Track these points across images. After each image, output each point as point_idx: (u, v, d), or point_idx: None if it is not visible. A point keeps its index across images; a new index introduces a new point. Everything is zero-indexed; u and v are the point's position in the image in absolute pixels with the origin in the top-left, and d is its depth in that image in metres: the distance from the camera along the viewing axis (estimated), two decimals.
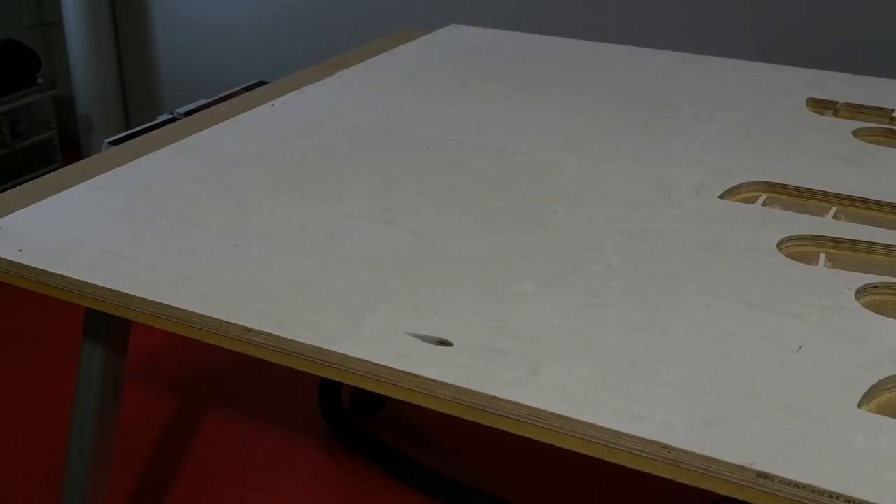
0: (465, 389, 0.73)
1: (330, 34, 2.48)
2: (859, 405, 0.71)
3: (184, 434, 1.70)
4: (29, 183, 1.08)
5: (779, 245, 0.94)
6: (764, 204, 1.04)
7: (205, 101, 2.24)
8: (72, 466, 1.13)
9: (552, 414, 0.70)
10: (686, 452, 0.67)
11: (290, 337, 0.79)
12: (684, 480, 0.68)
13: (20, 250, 0.93)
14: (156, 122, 2.15)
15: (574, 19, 2.17)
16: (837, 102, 1.31)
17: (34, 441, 1.67)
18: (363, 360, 0.76)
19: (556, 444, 0.71)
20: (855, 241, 0.95)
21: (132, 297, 0.86)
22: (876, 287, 0.88)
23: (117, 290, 0.86)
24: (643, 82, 1.39)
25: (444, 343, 0.78)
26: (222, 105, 1.34)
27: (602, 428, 0.69)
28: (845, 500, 0.63)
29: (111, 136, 2.39)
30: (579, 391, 0.72)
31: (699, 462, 0.66)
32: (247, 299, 0.84)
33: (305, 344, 0.78)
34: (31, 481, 1.58)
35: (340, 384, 1.70)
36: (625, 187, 1.07)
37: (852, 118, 1.28)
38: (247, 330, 0.81)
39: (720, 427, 0.69)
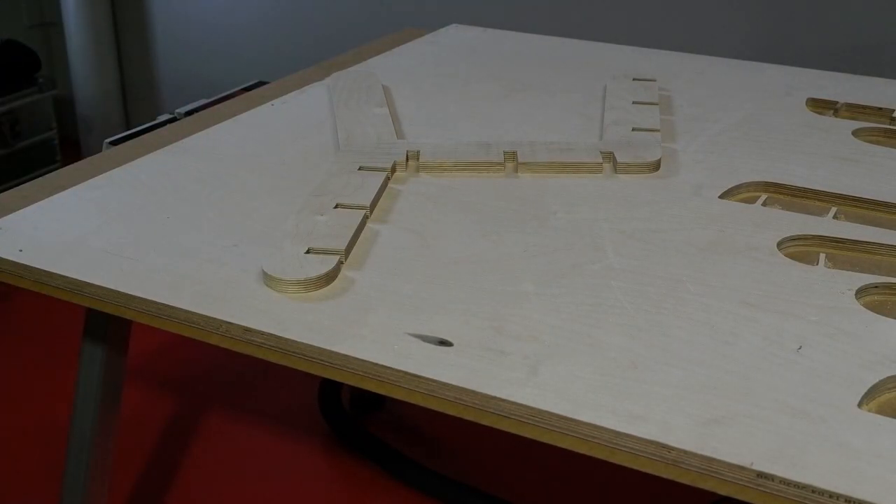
0: (465, 389, 0.73)
1: (330, 34, 2.48)
2: (859, 405, 0.71)
3: (184, 434, 1.70)
4: (29, 183, 1.08)
5: (779, 245, 0.94)
6: (764, 204, 1.04)
7: (205, 101, 2.24)
8: (72, 466, 1.13)
9: (552, 414, 0.70)
10: (686, 452, 0.67)
11: (290, 337, 0.79)
12: (684, 480, 0.68)
13: (20, 250, 0.93)
14: (156, 122, 2.15)
15: (574, 19, 2.17)
16: (837, 102, 1.31)
17: (34, 441, 1.67)
18: (363, 360, 0.76)
19: (556, 444, 0.71)
20: (855, 241, 0.95)
21: (132, 297, 0.86)
22: (876, 287, 0.88)
23: (117, 290, 0.86)
24: None
25: (444, 343, 0.78)
26: (222, 105, 1.34)
27: (602, 428, 0.69)
28: (845, 500, 0.63)
29: (111, 136, 2.39)
30: (579, 391, 0.72)
31: (699, 462, 0.66)
32: (247, 299, 0.84)
33: (305, 344, 0.78)
34: (31, 481, 1.58)
35: (340, 384, 1.70)
36: (625, 187, 1.07)
37: (852, 118, 1.28)
38: (247, 330, 0.81)
39: (720, 427, 0.69)
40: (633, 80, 1.35)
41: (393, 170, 1.09)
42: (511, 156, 1.11)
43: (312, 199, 1.00)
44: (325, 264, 0.87)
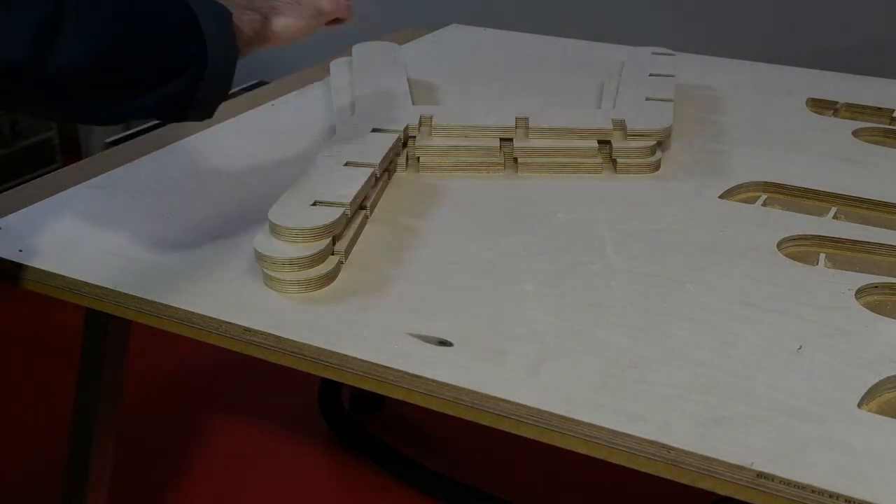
0: (465, 389, 0.73)
1: (330, 34, 2.48)
2: (859, 405, 0.71)
3: (184, 434, 1.70)
4: (29, 183, 1.08)
5: (779, 245, 0.94)
6: (764, 204, 1.04)
7: None
8: (72, 466, 1.13)
9: (552, 414, 0.70)
10: (686, 452, 0.67)
11: (289, 337, 0.79)
12: (684, 480, 0.68)
13: (20, 250, 0.93)
14: (156, 122, 2.15)
15: (574, 19, 2.17)
16: (837, 102, 1.31)
17: (34, 441, 1.67)
18: (363, 360, 0.76)
19: (555, 444, 0.71)
20: (855, 241, 0.95)
21: (132, 297, 0.86)
22: (876, 287, 0.88)
23: (117, 290, 0.86)
24: None
25: (444, 343, 0.78)
26: (222, 105, 1.34)
27: (602, 428, 0.69)
28: (845, 501, 0.63)
29: (111, 136, 2.39)
30: (579, 391, 0.72)
31: (699, 462, 0.66)
32: (246, 299, 0.84)
33: (305, 344, 0.78)
34: (31, 481, 1.58)
35: (340, 384, 1.70)
36: (625, 187, 1.07)
37: (852, 118, 1.28)
38: (247, 330, 0.81)
39: (720, 427, 0.69)
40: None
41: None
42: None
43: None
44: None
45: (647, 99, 1.20)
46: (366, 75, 1.29)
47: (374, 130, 1.09)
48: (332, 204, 0.91)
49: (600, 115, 1.15)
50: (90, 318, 1.06)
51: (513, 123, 1.12)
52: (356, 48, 1.41)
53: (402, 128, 1.10)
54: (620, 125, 1.11)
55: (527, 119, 1.13)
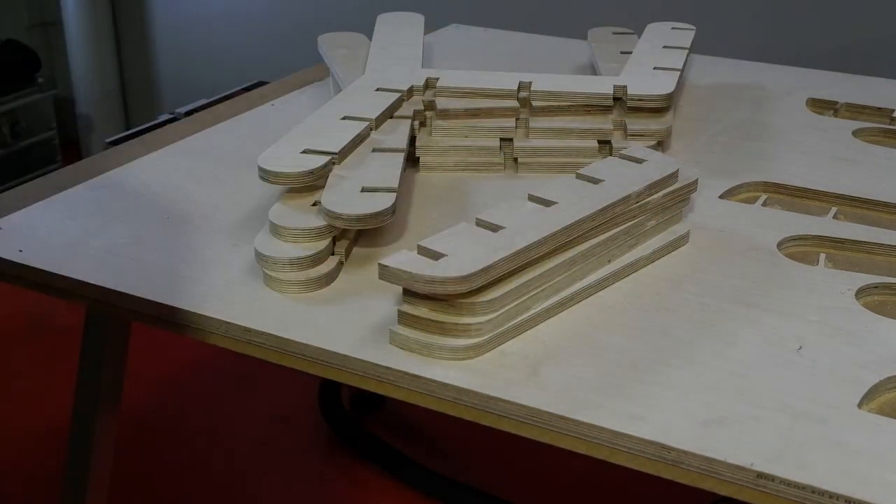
0: (465, 389, 0.73)
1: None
2: (859, 405, 0.71)
3: (183, 434, 1.70)
4: (29, 183, 1.08)
5: (779, 245, 0.94)
6: (764, 204, 1.04)
7: (205, 101, 2.24)
8: (72, 467, 1.13)
9: (552, 414, 0.70)
10: (686, 453, 0.67)
11: (290, 337, 0.79)
12: (684, 481, 0.68)
13: (20, 250, 0.93)
14: (156, 122, 2.15)
15: (574, 19, 2.16)
16: (837, 102, 1.31)
17: (34, 441, 1.67)
18: (363, 360, 0.76)
19: (556, 444, 0.71)
20: (855, 241, 0.95)
21: (132, 297, 0.86)
22: (876, 287, 0.88)
23: (117, 290, 0.86)
24: None
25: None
26: (222, 105, 1.34)
27: (602, 428, 0.69)
28: (845, 501, 0.63)
29: (111, 136, 2.39)
30: (579, 391, 0.72)
31: (699, 462, 0.66)
32: (247, 299, 0.84)
33: (305, 344, 0.78)
34: (31, 481, 1.58)
35: (340, 384, 1.70)
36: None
37: (852, 118, 1.28)
38: (247, 330, 0.81)
39: (720, 427, 0.69)
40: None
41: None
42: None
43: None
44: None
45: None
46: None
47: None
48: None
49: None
50: (90, 318, 1.06)
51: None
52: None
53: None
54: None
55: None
